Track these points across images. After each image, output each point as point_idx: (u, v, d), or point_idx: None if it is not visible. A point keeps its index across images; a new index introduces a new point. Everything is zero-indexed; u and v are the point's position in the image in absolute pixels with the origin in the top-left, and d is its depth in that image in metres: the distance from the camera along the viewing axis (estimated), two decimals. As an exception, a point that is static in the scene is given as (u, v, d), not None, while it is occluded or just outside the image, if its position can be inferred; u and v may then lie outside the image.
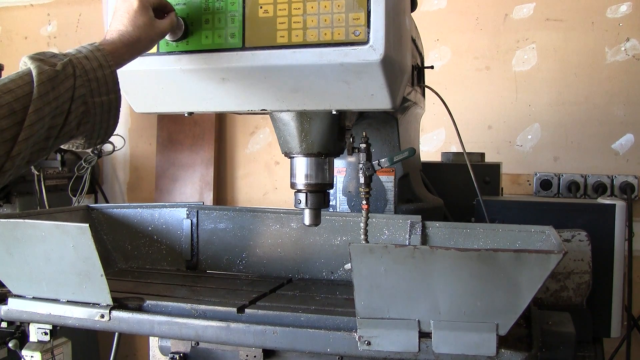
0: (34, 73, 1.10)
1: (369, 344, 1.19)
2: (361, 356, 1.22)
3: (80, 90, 1.15)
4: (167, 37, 1.34)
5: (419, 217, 1.64)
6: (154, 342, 1.79)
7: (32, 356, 1.69)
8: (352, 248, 1.10)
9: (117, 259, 1.91)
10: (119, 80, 1.24)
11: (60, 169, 3.13)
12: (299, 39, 1.26)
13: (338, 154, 1.55)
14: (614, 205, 1.80)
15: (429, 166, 2.24)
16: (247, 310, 1.38)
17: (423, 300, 1.14)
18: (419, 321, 1.16)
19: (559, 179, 2.83)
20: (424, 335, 1.16)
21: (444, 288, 1.11)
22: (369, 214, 1.52)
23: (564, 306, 1.54)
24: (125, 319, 1.40)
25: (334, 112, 1.38)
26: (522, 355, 1.15)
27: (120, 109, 1.25)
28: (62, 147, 1.25)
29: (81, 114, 1.17)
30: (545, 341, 1.23)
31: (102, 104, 1.20)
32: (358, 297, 1.15)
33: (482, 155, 2.39)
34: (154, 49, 1.35)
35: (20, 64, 1.14)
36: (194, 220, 1.88)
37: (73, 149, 1.31)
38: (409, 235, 1.63)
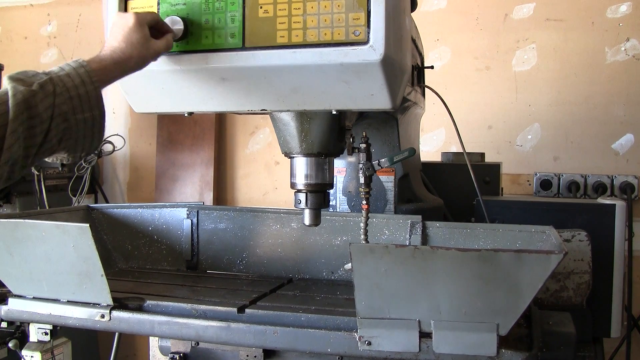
0: (10, 94, 1.10)
1: (369, 344, 1.19)
2: (361, 356, 1.22)
3: (61, 107, 1.15)
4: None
5: (420, 217, 1.64)
6: (154, 342, 1.80)
7: (32, 356, 1.69)
8: (352, 248, 1.10)
9: (117, 259, 1.91)
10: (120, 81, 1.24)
11: (60, 169, 3.13)
12: (299, 39, 1.26)
13: (338, 154, 1.55)
14: (614, 205, 1.80)
15: (429, 166, 2.24)
16: (247, 310, 1.38)
17: (424, 300, 1.14)
18: (419, 321, 1.16)
19: (559, 179, 2.83)
20: (425, 335, 1.16)
21: (445, 288, 1.11)
22: (369, 214, 1.52)
23: (564, 306, 1.54)
24: (125, 319, 1.40)
25: (334, 112, 1.38)
26: (522, 355, 1.15)
27: (105, 124, 1.24)
28: (45, 159, 1.25)
29: (62, 130, 1.16)
30: (546, 341, 1.23)
31: (84, 121, 1.19)
32: (359, 297, 1.15)
33: (482, 155, 2.39)
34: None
35: (2, 83, 1.14)
36: (195, 220, 1.88)
37: (56, 162, 1.31)
38: (410, 236, 1.63)
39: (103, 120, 1.23)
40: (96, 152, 3.07)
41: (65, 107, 1.15)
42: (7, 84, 1.12)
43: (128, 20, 1.27)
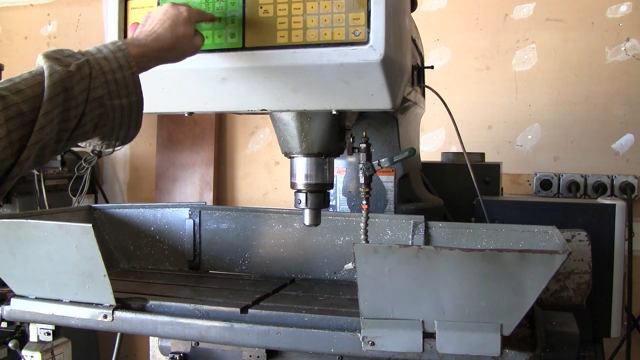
0: (46, 73, 1.05)
1: (372, 344, 1.19)
2: (365, 356, 1.22)
3: (96, 91, 1.10)
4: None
5: (422, 217, 1.64)
6: (154, 342, 1.80)
7: (32, 356, 1.68)
8: (356, 248, 1.10)
9: (119, 259, 1.91)
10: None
11: (60, 169, 3.12)
12: (299, 39, 1.27)
13: (338, 154, 1.55)
14: (614, 205, 1.80)
15: (429, 166, 2.24)
16: (250, 311, 1.38)
17: (427, 300, 1.14)
18: (423, 321, 1.16)
19: (559, 179, 2.83)
20: (428, 335, 1.17)
21: (448, 288, 1.11)
22: (370, 214, 1.52)
23: (564, 306, 1.54)
24: (128, 319, 1.40)
25: (334, 112, 1.38)
26: (526, 355, 1.15)
27: (143, 112, 1.20)
28: (79, 145, 1.20)
29: (97, 116, 1.12)
30: (549, 341, 1.23)
31: (121, 107, 1.15)
32: (362, 297, 1.16)
33: (482, 155, 2.39)
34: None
35: (37, 61, 1.09)
36: (197, 220, 1.88)
37: (89, 148, 1.28)
38: (412, 236, 1.63)
39: (141, 108, 1.19)
40: (96, 152, 3.05)
41: (100, 92, 1.10)
42: (42, 62, 1.07)
43: (182, 12, 1.25)
